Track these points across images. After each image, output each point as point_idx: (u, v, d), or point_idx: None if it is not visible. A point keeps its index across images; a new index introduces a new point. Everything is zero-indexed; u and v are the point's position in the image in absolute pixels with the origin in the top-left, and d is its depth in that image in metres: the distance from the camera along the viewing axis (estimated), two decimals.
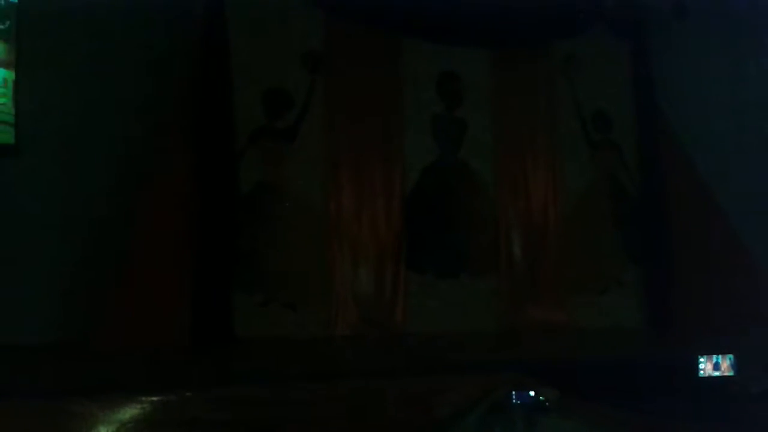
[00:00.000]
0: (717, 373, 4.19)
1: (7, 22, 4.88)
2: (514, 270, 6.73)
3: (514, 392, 4.02)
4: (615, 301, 6.86)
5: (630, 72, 7.20)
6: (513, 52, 6.96)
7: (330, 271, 6.16)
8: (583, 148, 7.06)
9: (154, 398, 3.80)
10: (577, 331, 6.56)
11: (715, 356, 4.19)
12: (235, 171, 5.90)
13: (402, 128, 6.54)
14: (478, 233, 6.69)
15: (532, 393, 4.01)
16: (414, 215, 6.49)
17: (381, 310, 6.29)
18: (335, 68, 6.35)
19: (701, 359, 4.20)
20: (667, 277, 6.82)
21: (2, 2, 4.87)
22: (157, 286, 5.33)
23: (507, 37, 6.81)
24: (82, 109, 5.40)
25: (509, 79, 6.93)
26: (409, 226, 6.45)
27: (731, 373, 4.21)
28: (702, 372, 4.21)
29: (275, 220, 6.02)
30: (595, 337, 6.20)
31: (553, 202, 6.90)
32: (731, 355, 4.21)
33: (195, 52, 5.81)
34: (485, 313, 6.49)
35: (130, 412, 3.79)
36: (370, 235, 6.33)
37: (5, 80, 4.88)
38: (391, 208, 6.43)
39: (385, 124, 6.50)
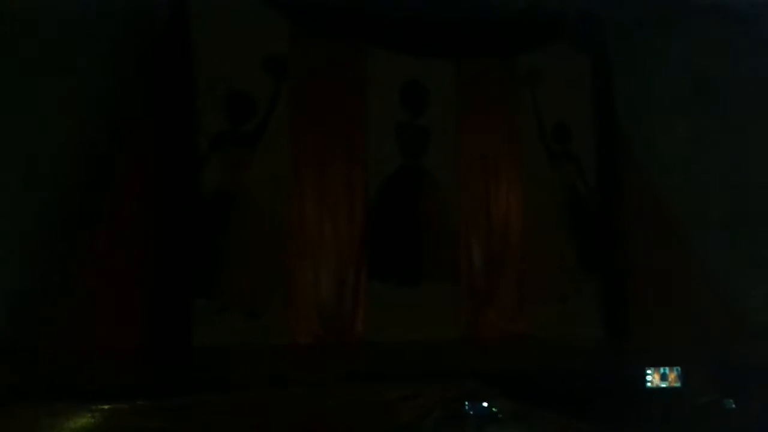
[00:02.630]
0: (664, 385, 4.27)
1: None
2: (474, 278, 6.79)
3: (467, 402, 4.07)
4: (572, 311, 6.93)
5: (590, 85, 7.32)
6: (477, 62, 7.02)
7: (291, 278, 6.14)
8: (542, 158, 7.16)
9: (105, 407, 3.76)
10: (535, 340, 6.62)
11: (662, 368, 4.26)
12: (196, 176, 5.86)
13: (365, 135, 6.55)
14: (440, 242, 6.74)
15: (485, 404, 4.06)
16: (376, 223, 6.51)
17: (342, 318, 6.29)
18: (300, 74, 6.35)
19: (648, 371, 4.28)
20: (622, 288, 6.95)
21: None
22: (113, 292, 5.28)
23: (471, 48, 6.88)
24: (40, 112, 5.29)
25: (473, 89, 6.98)
26: (372, 234, 6.47)
27: (678, 385, 4.29)
28: (649, 383, 4.28)
29: (236, 226, 5.98)
30: (552, 347, 6.27)
31: (514, 211, 6.98)
32: (678, 367, 4.29)
33: (157, 55, 5.76)
34: (446, 321, 6.50)
35: (80, 420, 3.74)
36: (332, 242, 6.34)
37: None
38: (353, 215, 6.44)
39: (348, 131, 6.51)
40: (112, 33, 5.63)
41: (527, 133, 7.12)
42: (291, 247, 6.17)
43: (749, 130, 7.03)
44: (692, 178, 7.05)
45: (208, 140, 6.00)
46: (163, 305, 5.46)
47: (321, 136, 6.40)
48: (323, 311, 6.22)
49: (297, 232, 6.21)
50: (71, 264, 5.31)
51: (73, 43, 5.48)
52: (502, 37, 6.81)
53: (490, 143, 7.02)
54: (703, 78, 7.18)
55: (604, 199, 7.22)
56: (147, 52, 5.77)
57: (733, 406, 4.12)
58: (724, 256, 6.79)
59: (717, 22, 6.93)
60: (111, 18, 5.58)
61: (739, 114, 7.10)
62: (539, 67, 7.11)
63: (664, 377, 4.26)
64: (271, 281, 6.05)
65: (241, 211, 6.03)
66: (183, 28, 5.86)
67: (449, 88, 6.89)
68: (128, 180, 5.61)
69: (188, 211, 5.80)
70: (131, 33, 5.69)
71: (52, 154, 5.35)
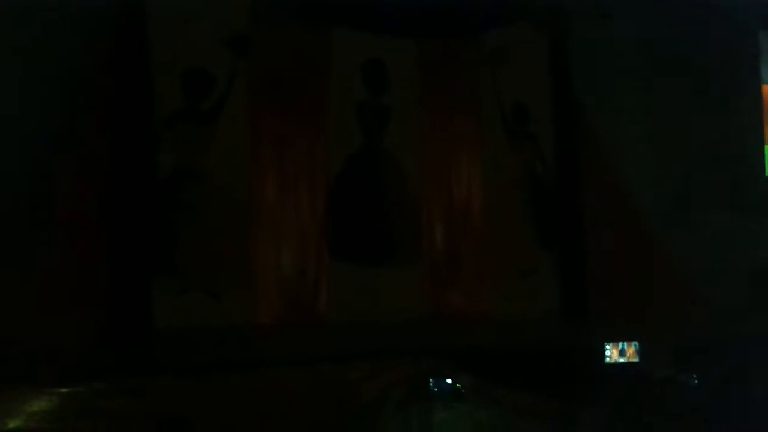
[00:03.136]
0: (623, 360, 4.38)
1: None
2: (436, 258, 6.82)
3: (431, 379, 4.12)
4: (532, 289, 7.05)
5: (550, 66, 7.38)
6: (439, 42, 7.01)
7: (252, 259, 6.07)
8: (502, 138, 7.21)
9: (62, 390, 3.69)
10: (496, 318, 6.70)
11: (620, 343, 4.37)
12: (152, 155, 5.73)
13: (326, 115, 6.48)
14: (402, 222, 6.74)
15: (449, 380, 4.12)
16: (338, 203, 6.47)
17: (304, 298, 6.26)
18: (259, 52, 6.23)
19: (607, 346, 4.38)
20: (580, 266, 7.08)
21: None
22: (70, 276, 5.12)
23: (433, 27, 6.85)
24: None
25: (435, 69, 6.97)
26: (333, 214, 6.44)
27: (636, 360, 4.40)
28: (608, 358, 4.39)
29: (195, 206, 5.85)
30: (512, 325, 6.36)
31: (475, 191, 7.01)
32: (636, 342, 4.40)
33: (111, 30, 5.58)
34: (408, 301, 6.52)
35: (39, 404, 3.67)
36: (293, 222, 6.27)
37: None
38: (314, 195, 6.38)
39: (309, 110, 6.43)
40: (67, 10, 5.42)
41: (488, 113, 7.15)
42: (252, 227, 6.10)
43: (708, 112, 7.19)
44: (649, 157, 7.20)
45: (165, 118, 5.85)
46: (123, 287, 5.35)
47: (281, 115, 6.30)
48: (285, 291, 6.18)
49: (257, 212, 6.13)
50: (28, 246, 5.15)
51: (25, 19, 5.27)
52: (464, 16, 6.78)
53: (451, 123, 7.03)
54: (663, 59, 7.32)
55: (562, 178, 7.32)
56: (101, 28, 5.58)
57: (696, 382, 4.25)
58: (682, 233, 6.96)
59: (676, 6, 7.04)
60: None
61: (698, 96, 7.25)
62: (501, 47, 7.13)
63: (622, 352, 4.37)
64: (232, 261, 5.97)
65: (200, 190, 5.90)
66: (139, 2, 5.71)
67: (411, 67, 6.86)
68: (84, 161, 5.44)
69: (146, 192, 5.67)
70: (85, 11, 5.49)
71: (3, 141, 5.16)
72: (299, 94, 6.40)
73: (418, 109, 6.90)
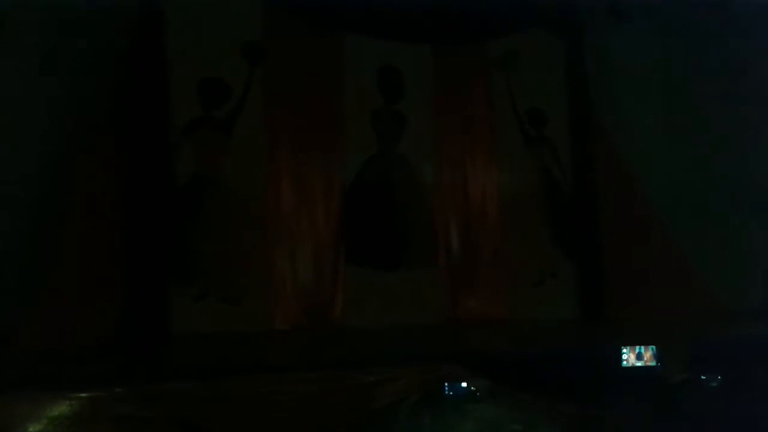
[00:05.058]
0: (640, 364, 4.34)
1: None
2: (451, 263, 6.82)
3: (446, 383, 4.11)
4: (549, 293, 7.02)
5: (566, 70, 7.35)
6: (453, 48, 7.04)
7: (269, 265, 6.14)
8: (518, 143, 7.20)
9: (83, 395, 3.73)
10: (512, 323, 6.68)
11: (638, 347, 4.33)
12: (170, 163, 5.81)
13: (342, 121, 6.54)
14: (417, 226, 6.76)
15: (464, 384, 4.10)
16: (353, 208, 6.51)
17: (320, 303, 6.30)
18: (275, 59, 6.32)
19: (624, 350, 4.34)
20: (597, 270, 7.01)
21: None
22: (89, 281, 5.23)
23: (447, 33, 6.87)
24: (10, 98, 5.19)
25: (449, 75, 7.00)
26: (349, 220, 6.48)
27: (654, 364, 4.36)
28: (625, 362, 4.35)
29: (212, 213, 5.96)
30: (529, 329, 6.32)
31: (491, 195, 7.01)
32: (654, 346, 4.36)
33: (129, 39, 5.68)
34: (423, 305, 6.54)
35: (58, 408, 3.70)
36: (310, 228, 6.33)
37: None
38: (330, 201, 6.43)
39: (324, 117, 6.49)
40: (85, 17, 5.52)
41: (503, 118, 7.15)
42: (268, 233, 6.16)
43: (723, 117, 7.12)
44: (665, 161, 7.14)
45: (183, 126, 5.96)
46: (141, 294, 5.43)
47: (297, 122, 6.37)
48: (302, 297, 6.22)
49: (274, 218, 6.20)
50: (48, 255, 5.23)
51: (46, 29, 5.37)
52: (478, 21, 6.78)
53: (467, 128, 7.03)
54: (675, 63, 7.27)
55: (579, 182, 7.27)
56: (120, 37, 5.68)
57: (714, 384, 4.19)
58: (698, 238, 6.90)
59: (693, 11, 6.98)
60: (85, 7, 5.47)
61: (716, 98, 7.18)
62: (515, 52, 7.14)
63: (639, 356, 4.33)
64: (249, 268, 6.03)
65: (217, 197, 6.01)
66: (156, 11, 5.81)
67: (426, 73, 6.89)
68: (101, 168, 5.53)
69: (164, 198, 5.75)
70: (104, 22, 5.59)
71: (27, 147, 5.25)
72: (314, 101, 6.46)
73: (433, 114, 6.92)
